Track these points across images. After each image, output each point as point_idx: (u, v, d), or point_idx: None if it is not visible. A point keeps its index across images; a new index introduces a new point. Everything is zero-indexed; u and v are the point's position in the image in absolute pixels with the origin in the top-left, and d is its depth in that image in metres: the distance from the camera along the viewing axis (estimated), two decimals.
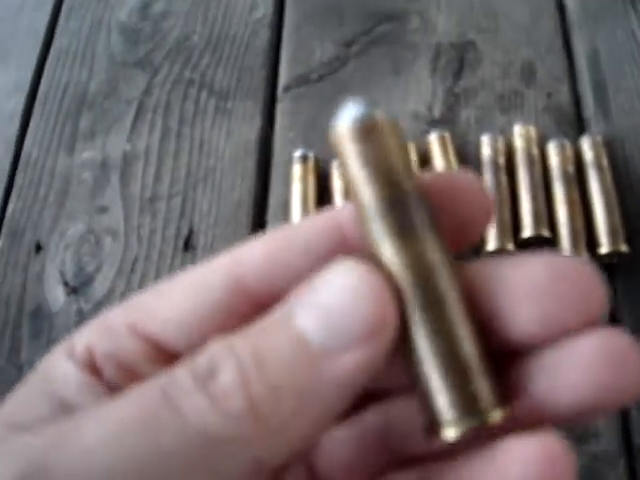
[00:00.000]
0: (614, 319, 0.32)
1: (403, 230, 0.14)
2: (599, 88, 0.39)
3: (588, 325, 0.14)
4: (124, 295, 0.36)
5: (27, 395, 0.15)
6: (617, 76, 0.39)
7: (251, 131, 0.40)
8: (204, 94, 0.42)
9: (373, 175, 0.15)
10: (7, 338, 0.36)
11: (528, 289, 0.14)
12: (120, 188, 0.39)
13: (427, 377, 0.14)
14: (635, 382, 0.14)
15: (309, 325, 0.13)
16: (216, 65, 0.43)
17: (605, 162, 0.35)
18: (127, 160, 0.40)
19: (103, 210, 0.39)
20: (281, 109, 0.41)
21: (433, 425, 0.14)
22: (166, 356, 0.15)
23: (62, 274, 0.37)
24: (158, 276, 0.36)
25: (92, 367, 0.15)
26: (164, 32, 0.45)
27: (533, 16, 0.42)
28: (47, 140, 0.42)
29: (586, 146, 0.36)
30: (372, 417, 0.16)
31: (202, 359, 0.13)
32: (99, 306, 0.36)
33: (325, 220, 0.15)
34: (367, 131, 0.15)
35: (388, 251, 0.14)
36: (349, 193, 0.15)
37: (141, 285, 0.36)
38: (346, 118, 0.15)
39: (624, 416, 0.31)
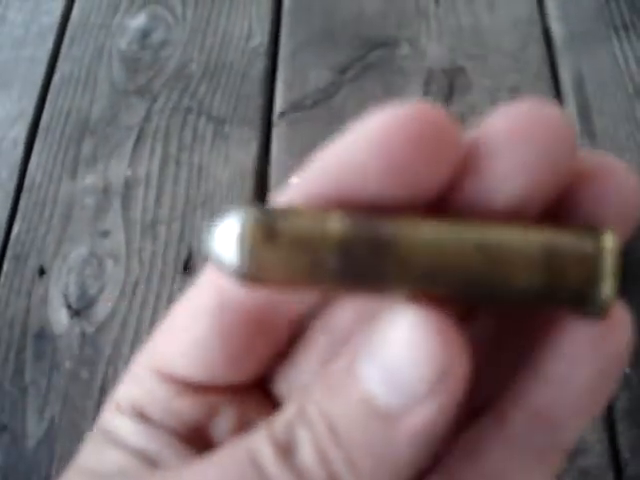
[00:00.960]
0: None
1: (386, 272, 0.13)
2: (584, 112, 0.40)
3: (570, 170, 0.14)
4: (126, 317, 0.37)
5: (96, 449, 0.16)
6: (601, 100, 0.40)
7: (248, 156, 0.41)
8: (202, 121, 0.43)
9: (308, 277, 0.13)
10: (11, 360, 0.37)
11: (505, 140, 0.13)
12: (121, 212, 0.40)
13: (542, 296, 0.13)
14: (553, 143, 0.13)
15: (374, 385, 0.13)
16: (214, 92, 0.44)
17: None
18: (128, 185, 0.41)
19: (105, 234, 0.40)
20: (277, 134, 0.42)
21: (590, 311, 0.13)
22: (194, 388, 0.16)
23: (65, 297, 0.38)
24: (159, 298, 0.37)
25: (141, 416, 0.16)
26: (163, 61, 0.46)
27: (520, 43, 0.43)
28: (50, 166, 0.43)
29: None
30: None
31: (279, 426, 0.13)
32: (102, 328, 0.37)
33: None
34: (271, 234, 0.13)
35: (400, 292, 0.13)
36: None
37: (143, 307, 0.37)
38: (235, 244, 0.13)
39: (612, 431, 0.31)
